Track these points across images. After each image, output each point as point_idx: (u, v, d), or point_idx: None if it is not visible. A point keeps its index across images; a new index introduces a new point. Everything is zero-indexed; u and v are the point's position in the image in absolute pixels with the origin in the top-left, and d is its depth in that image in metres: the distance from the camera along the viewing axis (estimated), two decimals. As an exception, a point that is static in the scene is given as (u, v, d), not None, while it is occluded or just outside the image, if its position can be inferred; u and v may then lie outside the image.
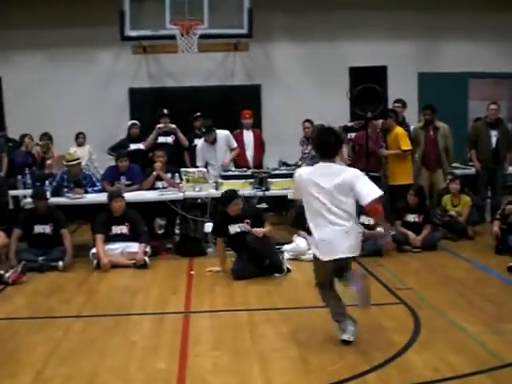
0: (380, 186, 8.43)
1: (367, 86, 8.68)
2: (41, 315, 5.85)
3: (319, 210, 4.72)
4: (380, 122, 9.24)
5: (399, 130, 9.26)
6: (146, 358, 4.67)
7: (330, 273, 4.88)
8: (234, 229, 7.26)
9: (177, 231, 8.93)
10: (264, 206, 8.45)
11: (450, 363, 4.38)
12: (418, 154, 9.58)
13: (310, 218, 4.84)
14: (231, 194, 7.34)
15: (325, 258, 4.73)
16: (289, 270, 7.19)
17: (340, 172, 4.77)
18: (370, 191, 4.69)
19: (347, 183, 4.68)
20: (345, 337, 4.81)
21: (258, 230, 7.15)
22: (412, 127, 9.96)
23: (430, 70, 12.70)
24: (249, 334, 5.18)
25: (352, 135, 9.79)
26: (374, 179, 8.73)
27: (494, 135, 9.72)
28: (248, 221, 7.23)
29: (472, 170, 10.01)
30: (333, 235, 4.67)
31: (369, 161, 9.01)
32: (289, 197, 4.59)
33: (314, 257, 4.88)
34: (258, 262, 7.14)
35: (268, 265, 7.15)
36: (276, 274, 7.07)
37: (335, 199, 4.67)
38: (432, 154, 9.51)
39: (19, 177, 9.09)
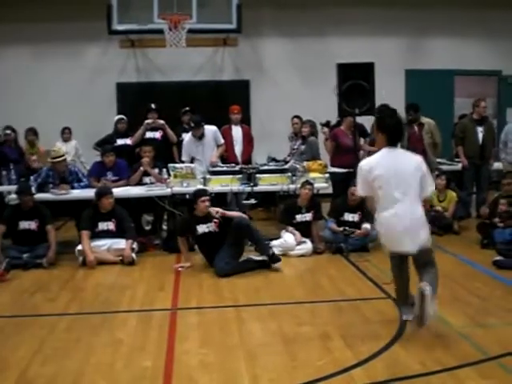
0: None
1: (355, 82, 8.69)
2: (25, 313, 5.78)
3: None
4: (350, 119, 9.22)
5: None
6: (132, 355, 4.64)
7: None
8: (202, 229, 7.24)
9: (164, 227, 8.89)
10: (252, 201, 8.45)
11: (436, 357, 4.40)
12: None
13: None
14: (199, 192, 7.38)
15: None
16: (278, 260, 7.14)
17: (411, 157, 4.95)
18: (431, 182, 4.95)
19: (420, 170, 4.83)
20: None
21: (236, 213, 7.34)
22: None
23: (416, 66, 12.78)
24: (236, 330, 5.16)
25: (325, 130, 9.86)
26: (352, 176, 8.88)
27: (480, 131, 9.77)
28: (216, 220, 7.21)
29: (458, 166, 10.05)
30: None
31: (345, 157, 9.03)
32: (358, 194, 4.72)
33: None
34: (238, 254, 7.19)
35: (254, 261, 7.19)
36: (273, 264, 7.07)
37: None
38: (417, 150, 9.44)
39: (4, 172, 8.99)
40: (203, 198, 7.20)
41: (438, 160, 9.78)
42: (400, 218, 4.72)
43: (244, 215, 7.47)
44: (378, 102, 8.96)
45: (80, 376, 4.26)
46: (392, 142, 4.81)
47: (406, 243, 4.78)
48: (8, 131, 9.63)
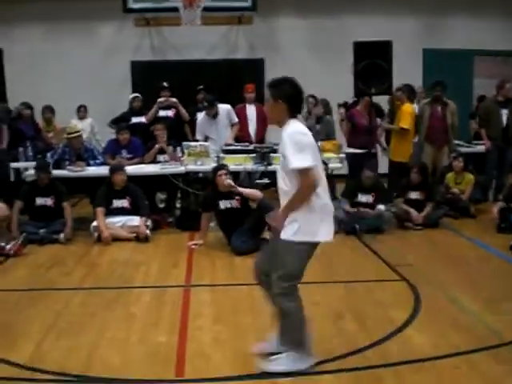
0: (374, 164, 8.54)
1: (371, 61, 8.60)
2: (41, 287, 5.85)
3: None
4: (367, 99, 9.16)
5: (406, 107, 9.24)
6: (146, 331, 4.68)
7: None
8: (224, 204, 7.27)
9: (178, 205, 8.92)
10: (266, 181, 8.43)
11: (450, 340, 4.39)
12: (421, 131, 9.52)
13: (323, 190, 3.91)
14: (217, 167, 7.48)
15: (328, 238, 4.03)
16: None
17: None
18: None
19: None
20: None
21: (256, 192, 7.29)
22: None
23: (435, 46, 12.57)
24: (249, 308, 5.18)
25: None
26: (369, 156, 8.86)
27: (504, 113, 9.61)
28: (238, 197, 7.24)
29: (477, 148, 9.95)
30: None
31: (361, 138, 8.99)
32: (305, 165, 3.45)
33: (302, 243, 3.89)
34: (257, 235, 7.16)
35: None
36: None
37: None
38: (438, 130, 9.34)
39: (21, 149, 9.04)
40: (220, 172, 7.25)
41: (456, 142, 9.69)
42: None
43: (258, 192, 7.41)
44: (395, 82, 8.93)
45: (94, 350, 4.30)
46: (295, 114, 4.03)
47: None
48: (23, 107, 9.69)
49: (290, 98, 3.95)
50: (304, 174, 3.69)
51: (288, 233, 3.83)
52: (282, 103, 3.92)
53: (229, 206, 7.28)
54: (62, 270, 6.47)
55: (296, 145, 3.73)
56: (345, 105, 9.94)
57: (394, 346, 4.33)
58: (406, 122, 9.14)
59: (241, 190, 7.22)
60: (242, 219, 7.18)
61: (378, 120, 9.76)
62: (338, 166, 8.51)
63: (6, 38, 11.05)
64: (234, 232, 7.13)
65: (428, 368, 3.98)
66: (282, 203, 3.89)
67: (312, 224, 3.84)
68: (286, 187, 3.86)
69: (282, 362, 3.95)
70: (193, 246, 7.24)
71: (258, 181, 8.71)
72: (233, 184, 7.19)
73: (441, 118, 9.26)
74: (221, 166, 7.46)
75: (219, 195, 7.29)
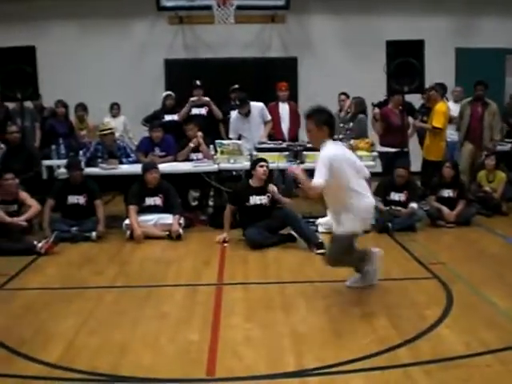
0: (406, 162, 8.44)
1: (404, 60, 8.56)
2: (73, 286, 5.88)
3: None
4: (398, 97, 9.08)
5: (440, 106, 9.18)
6: (177, 329, 4.68)
7: None
8: (254, 200, 7.30)
9: (210, 203, 8.93)
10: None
11: (482, 339, 4.33)
12: (461, 129, 9.43)
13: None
14: (258, 159, 7.54)
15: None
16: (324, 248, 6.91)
17: None
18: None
19: None
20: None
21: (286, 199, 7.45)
22: (451, 103, 9.81)
23: (467, 45, 12.45)
24: (281, 306, 5.16)
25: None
26: (401, 155, 8.77)
27: None
28: (269, 195, 7.26)
29: (508, 147, 9.81)
30: None
31: (394, 136, 8.91)
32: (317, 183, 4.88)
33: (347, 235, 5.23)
34: (274, 231, 7.27)
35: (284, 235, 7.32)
36: (316, 250, 6.90)
37: None
38: (477, 130, 9.33)
39: (53, 147, 9.14)
40: (261, 164, 7.32)
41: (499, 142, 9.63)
42: None
43: (288, 201, 7.52)
44: (427, 81, 8.86)
45: (125, 348, 4.32)
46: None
47: None
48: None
49: (330, 123, 5.17)
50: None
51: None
52: (326, 128, 5.11)
53: (258, 202, 7.30)
54: (94, 268, 6.49)
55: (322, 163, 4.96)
56: (378, 104, 9.85)
57: (425, 344, 4.28)
58: (438, 121, 9.07)
59: (278, 197, 7.36)
60: (266, 217, 7.22)
61: (410, 119, 9.66)
62: (371, 164, 8.44)
63: (40, 36, 11.19)
64: (251, 225, 7.16)
65: (459, 366, 3.93)
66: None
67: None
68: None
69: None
70: (223, 244, 7.25)
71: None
72: (275, 190, 7.34)
73: (480, 118, 9.18)
74: (261, 159, 7.53)
75: (251, 190, 7.31)
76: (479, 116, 9.30)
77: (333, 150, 5.06)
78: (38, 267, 6.58)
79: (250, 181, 7.43)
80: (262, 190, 7.32)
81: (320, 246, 6.89)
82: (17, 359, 4.19)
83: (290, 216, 7.22)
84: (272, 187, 7.32)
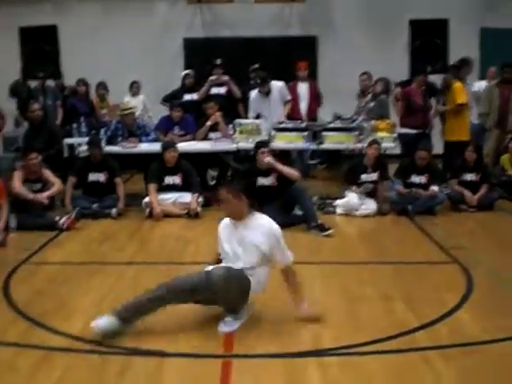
0: (428, 144, 8.38)
1: (427, 39, 8.47)
2: (94, 261, 5.98)
3: None
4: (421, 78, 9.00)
5: (457, 84, 9.04)
6: (195, 306, 4.70)
7: None
8: (261, 181, 7.26)
9: (229, 183, 8.94)
10: (314, 161, 8.40)
11: (501, 325, 4.30)
12: (490, 112, 9.34)
13: None
14: (259, 143, 7.44)
15: None
16: (327, 229, 6.88)
17: None
18: None
19: None
20: None
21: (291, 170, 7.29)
22: (476, 84, 9.69)
23: (492, 25, 12.19)
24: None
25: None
26: (422, 137, 8.70)
27: None
28: (274, 175, 7.22)
29: None
30: None
31: (416, 117, 8.84)
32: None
33: None
34: (287, 212, 7.22)
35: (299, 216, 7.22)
36: (322, 232, 6.87)
37: None
38: (504, 112, 9.20)
39: (74, 125, 9.20)
40: (262, 150, 7.24)
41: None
42: None
43: (296, 173, 7.38)
44: (451, 61, 8.76)
45: (145, 322, 4.32)
46: None
47: None
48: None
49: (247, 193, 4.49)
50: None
51: None
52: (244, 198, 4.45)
53: (266, 183, 7.27)
54: (114, 244, 6.59)
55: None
56: (401, 84, 9.76)
57: (443, 329, 4.26)
58: (460, 97, 8.95)
59: (280, 167, 7.19)
60: (276, 198, 7.17)
61: (433, 100, 9.56)
62: (391, 145, 8.41)
63: (61, 15, 11.20)
64: (264, 208, 7.17)
65: (478, 352, 3.92)
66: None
67: None
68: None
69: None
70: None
71: (310, 161, 8.70)
72: (272, 161, 7.16)
73: (507, 101, 9.06)
74: (262, 144, 7.42)
75: (258, 172, 7.29)
76: (506, 99, 9.15)
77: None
78: (60, 242, 6.69)
79: (256, 163, 7.35)
80: (267, 172, 7.28)
81: (323, 227, 6.85)
82: (39, 331, 4.27)
83: (298, 190, 7.16)
84: (267, 159, 7.18)
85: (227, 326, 4.27)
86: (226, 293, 4.17)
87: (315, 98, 10.06)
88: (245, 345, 4.04)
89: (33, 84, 9.83)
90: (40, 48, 8.49)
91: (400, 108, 9.38)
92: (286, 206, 7.26)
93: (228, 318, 4.32)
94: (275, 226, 4.40)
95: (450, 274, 5.48)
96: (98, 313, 4.51)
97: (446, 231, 6.98)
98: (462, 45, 10.16)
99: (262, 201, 7.17)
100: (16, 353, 3.92)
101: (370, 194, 7.83)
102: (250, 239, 4.37)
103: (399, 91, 9.53)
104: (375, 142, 7.91)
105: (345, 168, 8.55)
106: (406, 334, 4.16)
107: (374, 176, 7.88)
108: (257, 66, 10.34)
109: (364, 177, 7.87)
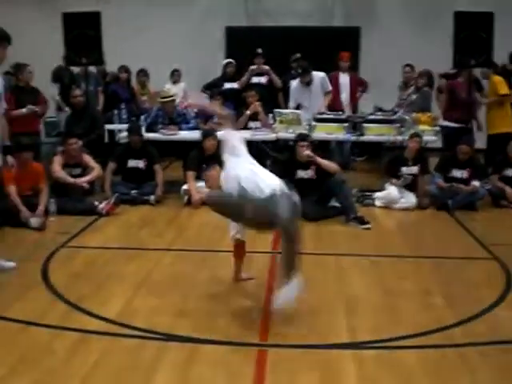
0: (471, 139, 8.25)
1: (472, 32, 8.32)
2: (132, 246, 6.04)
3: None
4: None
5: (495, 77, 8.88)
6: (231, 294, 4.74)
7: None
8: (300, 174, 7.22)
9: (267, 172, 8.91)
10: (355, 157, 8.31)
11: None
12: None
13: None
14: (299, 136, 7.38)
15: None
16: (366, 222, 6.86)
17: None
18: None
19: None
20: None
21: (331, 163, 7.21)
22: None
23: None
24: (336, 278, 5.17)
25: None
26: (464, 131, 8.56)
27: None
28: (313, 168, 7.16)
29: None
30: None
31: (459, 111, 8.70)
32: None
33: None
34: (324, 204, 7.20)
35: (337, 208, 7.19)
36: (354, 224, 6.85)
37: None
38: None
39: (115, 111, 9.28)
40: (302, 143, 7.19)
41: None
42: None
43: (336, 166, 7.30)
44: (495, 54, 8.60)
45: (181, 309, 4.40)
46: None
47: None
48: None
49: None
50: None
51: None
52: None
53: (305, 176, 7.23)
54: (152, 230, 6.66)
55: None
56: (446, 76, 9.59)
57: (481, 326, 4.21)
58: (503, 88, 8.75)
59: (319, 160, 7.14)
60: (314, 190, 7.14)
61: (477, 95, 9.38)
62: (433, 139, 8.30)
63: (104, 2, 11.27)
64: (302, 199, 7.14)
65: (516, 350, 3.86)
66: None
67: None
68: None
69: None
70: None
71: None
72: (311, 154, 7.11)
73: None
74: (303, 137, 7.35)
75: (297, 164, 7.24)
76: None
77: None
78: (99, 227, 6.78)
79: (295, 155, 7.31)
80: (306, 164, 7.22)
81: (362, 220, 6.82)
82: (77, 314, 4.34)
83: (337, 182, 7.09)
84: (306, 152, 7.12)
85: (283, 296, 4.13)
86: None
87: (356, 89, 9.98)
88: (280, 335, 4.04)
89: (75, 70, 9.92)
90: (83, 34, 8.52)
91: (443, 100, 9.23)
92: (324, 197, 7.23)
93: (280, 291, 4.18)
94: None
95: (489, 271, 5.40)
96: (135, 297, 4.57)
97: (486, 227, 6.87)
98: (507, 39, 9.94)
99: (299, 193, 7.20)
100: (54, 335, 3.99)
101: (410, 188, 7.74)
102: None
103: (443, 83, 9.37)
104: (417, 135, 7.82)
105: (385, 160, 8.46)
106: (444, 330, 4.12)
107: (414, 169, 7.78)
108: (298, 55, 10.30)
109: (404, 169, 7.78)
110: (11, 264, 5.19)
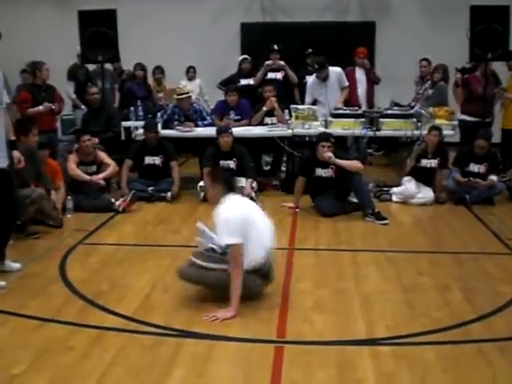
0: (488, 134, 8.17)
1: (488, 25, 8.25)
2: (148, 243, 6.06)
3: None
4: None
5: None
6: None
7: None
8: (319, 172, 7.18)
9: (283, 168, 8.91)
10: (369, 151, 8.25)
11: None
12: None
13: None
14: (321, 136, 7.27)
15: None
16: (383, 218, 6.82)
17: None
18: None
19: None
20: None
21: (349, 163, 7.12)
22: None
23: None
24: (353, 274, 5.15)
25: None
26: (482, 125, 8.48)
27: None
28: (333, 167, 7.10)
29: None
30: None
31: (476, 105, 8.63)
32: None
33: None
34: (343, 199, 7.17)
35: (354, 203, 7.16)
36: (371, 219, 6.82)
37: None
38: None
39: (132, 108, 9.31)
40: (323, 144, 7.10)
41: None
42: None
43: (358, 164, 7.24)
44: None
45: (199, 306, 4.39)
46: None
47: None
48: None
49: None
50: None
51: None
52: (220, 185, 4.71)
53: (323, 175, 7.18)
54: (169, 227, 6.66)
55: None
56: (462, 70, 9.50)
57: (500, 321, 4.18)
58: None
59: (340, 162, 7.05)
60: (332, 188, 7.11)
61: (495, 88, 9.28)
62: (450, 133, 8.23)
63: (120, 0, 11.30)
64: (319, 196, 7.13)
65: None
66: None
67: None
68: None
69: None
70: (295, 209, 7.22)
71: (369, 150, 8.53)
72: (332, 157, 7.05)
73: None
74: (325, 137, 7.23)
75: (316, 162, 7.19)
76: None
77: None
78: (116, 224, 6.80)
79: (316, 153, 7.20)
80: (326, 163, 7.15)
81: (379, 216, 6.78)
82: (94, 311, 4.37)
83: (353, 177, 7.04)
84: (327, 154, 7.03)
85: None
86: None
87: (372, 85, 9.93)
88: (297, 331, 4.04)
89: (91, 68, 9.95)
90: (99, 32, 8.54)
91: (460, 94, 9.15)
92: (341, 193, 7.20)
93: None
94: (221, 214, 4.54)
95: (507, 266, 5.36)
96: (152, 294, 4.58)
97: (503, 222, 6.80)
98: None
99: (318, 190, 7.19)
100: (71, 332, 4.01)
101: (427, 183, 7.68)
102: None
103: (460, 77, 9.29)
104: (436, 128, 7.75)
105: (401, 155, 8.40)
106: (461, 326, 4.10)
107: (433, 162, 7.71)
108: (310, 50, 10.26)
109: (424, 162, 7.72)
110: (17, 265, 5.19)
